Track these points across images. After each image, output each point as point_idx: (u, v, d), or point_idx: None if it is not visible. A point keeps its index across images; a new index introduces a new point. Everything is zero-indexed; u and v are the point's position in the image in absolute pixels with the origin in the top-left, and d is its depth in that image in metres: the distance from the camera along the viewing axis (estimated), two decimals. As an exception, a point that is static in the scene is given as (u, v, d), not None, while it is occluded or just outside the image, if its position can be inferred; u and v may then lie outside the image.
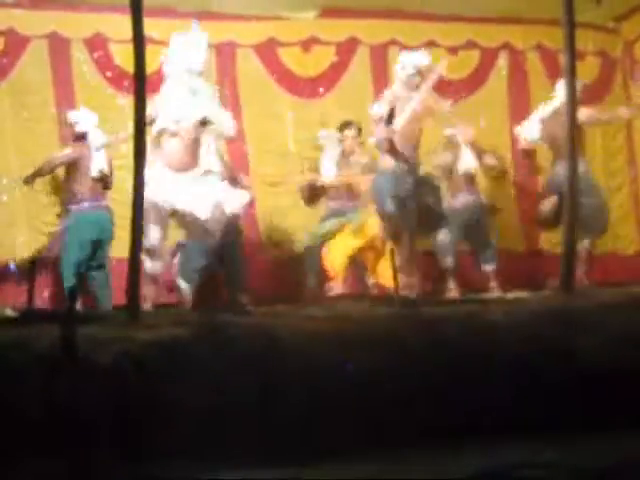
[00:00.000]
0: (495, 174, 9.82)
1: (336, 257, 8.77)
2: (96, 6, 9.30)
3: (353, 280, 9.24)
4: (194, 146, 8.06)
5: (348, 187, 9.16)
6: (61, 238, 8.35)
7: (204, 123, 8.05)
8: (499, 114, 10.47)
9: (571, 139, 6.73)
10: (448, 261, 9.22)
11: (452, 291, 9.15)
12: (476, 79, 10.52)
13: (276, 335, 4.78)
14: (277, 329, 4.95)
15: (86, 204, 8.37)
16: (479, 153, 9.36)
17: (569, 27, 6.61)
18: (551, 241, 9.64)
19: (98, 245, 7.97)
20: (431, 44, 10.33)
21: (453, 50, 10.44)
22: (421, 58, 8.72)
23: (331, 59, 10.16)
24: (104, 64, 9.47)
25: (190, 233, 8.16)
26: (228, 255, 8.54)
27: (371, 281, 8.92)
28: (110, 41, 9.39)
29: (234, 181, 8.61)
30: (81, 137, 8.46)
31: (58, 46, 9.37)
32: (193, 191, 7.93)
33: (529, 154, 9.91)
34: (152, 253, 7.88)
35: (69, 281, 7.95)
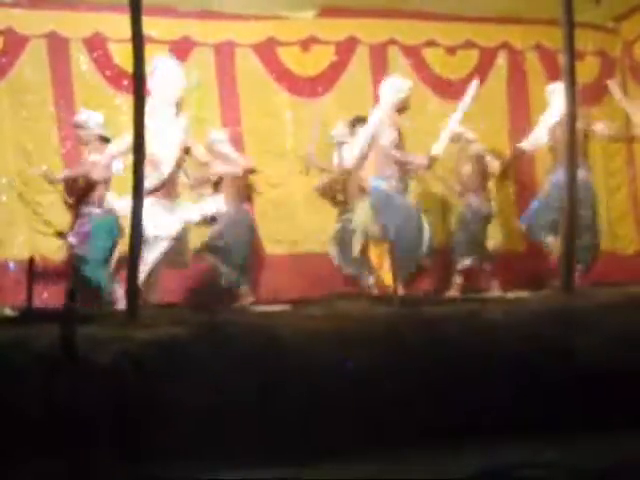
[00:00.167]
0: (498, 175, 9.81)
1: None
2: (95, 5, 9.28)
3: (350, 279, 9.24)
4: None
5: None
6: (85, 240, 8.33)
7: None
8: (498, 114, 10.45)
9: (571, 141, 6.74)
10: (466, 262, 9.21)
11: (456, 288, 9.10)
12: (475, 79, 10.50)
13: (275, 334, 4.78)
14: (276, 328, 4.95)
15: (104, 207, 8.38)
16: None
17: (568, 27, 6.62)
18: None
19: (115, 246, 8.29)
20: (430, 43, 10.33)
21: (452, 50, 10.43)
22: (406, 82, 8.92)
23: (330, 58, 10.14)
24: (103, 63, 9.45)
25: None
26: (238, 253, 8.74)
27: (371, 280, 8.91)
28: (109, 40, 9.37)
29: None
30: (103, 140, 8.47)
31: (57, 46, 9.35)
32: (165, 219, 8.09)
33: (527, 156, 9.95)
34: None
35: (99, 280, 8.10)
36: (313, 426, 4.29)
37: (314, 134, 9.07)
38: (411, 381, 4.50)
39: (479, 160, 9.33)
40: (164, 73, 8.26)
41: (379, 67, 10.10)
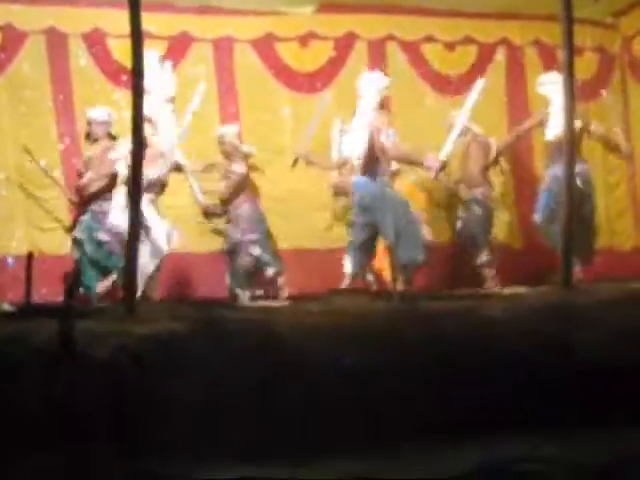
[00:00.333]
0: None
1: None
2: (94, 1, 9.26)
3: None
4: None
5: None
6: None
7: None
8: (497, 110, 10.45)
9: (570, 137, 6.75)
10: (485, 257, 9.21)
11: (489, 282, 9.07)
12: (474, 75, 10.48)
13: (273, 329, 4.79)
14: (274, 323, 4.95)
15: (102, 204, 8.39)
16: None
17: (567, 23, 6.62)
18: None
19: None
20: (429, 39, 10.34)
21: (451, 45, 10.43)
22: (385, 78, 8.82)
23: (329, 54, 10.14)
24: (102, 59, 9.45)
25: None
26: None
27: (370, 277, 8.91)
28: (108, 36, 9.37)
29: None
30: (111, 137, 8.48)
31: (56, 41, 9.35)
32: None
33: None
34: None
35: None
36: (311, 422, 4.29)
37: (311, 130, 9.02)
38: (410, 377, 4.50)
39: (485, 153, 9.32)
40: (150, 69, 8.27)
41: (378, 63, 10.09)
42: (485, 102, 10.04)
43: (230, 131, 9.02)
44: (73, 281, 6.65)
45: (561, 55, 6.93)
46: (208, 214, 8.92)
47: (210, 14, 9.68)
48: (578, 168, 7.64)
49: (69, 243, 8.87)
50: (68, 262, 8.25)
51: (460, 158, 9.44)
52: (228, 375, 4.32)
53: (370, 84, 8.54)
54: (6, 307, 7.43)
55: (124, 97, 8.50)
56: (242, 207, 8.83)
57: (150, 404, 4.19)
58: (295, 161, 8.78)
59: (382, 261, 8.56)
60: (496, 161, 9.46)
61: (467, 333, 4.83)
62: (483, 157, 9.28)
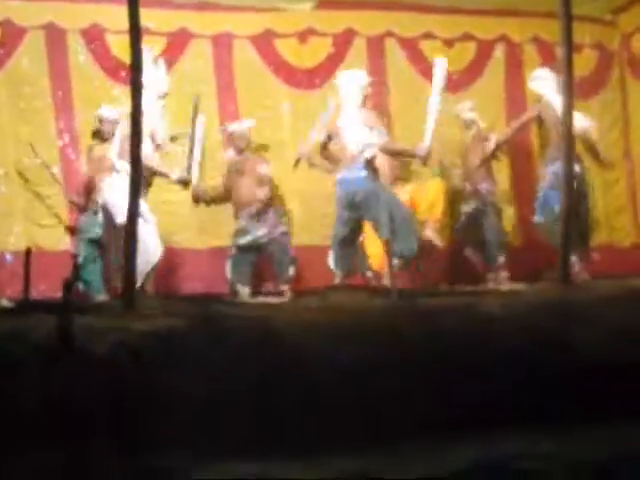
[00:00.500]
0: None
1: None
2: (93, -3, 9.31)
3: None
4: None
5: None
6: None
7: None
8: (495, 107, 10.47)
9: (568, 134, 6.75)
10: (501, 259, 9.24)
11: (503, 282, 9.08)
12: (473, 71, 10.51)
13: (272, 326, 4.79)
14: (273, 320, 4.95)
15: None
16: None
17: (566, 20, 6.62)
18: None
19: None
20: (428, 36, 10.34)
21: (450, 42, 10.43)
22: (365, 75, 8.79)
23: (328, 50, 10.14)
24: (101, 55, 9.45)
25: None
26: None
27: (369, 273, 8.93)
28: (107, 32, 9.37)
29: None
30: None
31: (55, 37, 9.35)
32: None
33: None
34: None
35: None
36: (309, 419, 4.29)
37: (315, 134, 8.95)
38: (408, 374, 4.50)
39: (485, 148, 9.34)
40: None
41: (376, 59, 10.11)
42: (484, 99, 10.08)
43: (244, 126, 9.09)
44: (72, 276, 6.66)
45: (560, 52, 6.93)
46: (198, 199, 9.00)
47: (209, 10, 9.68)
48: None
49: (67, 239, 8.90)
50: (67, 258, 8.26)
51: (463, 152, 9.48)
52: (227, 371, 4.32)
53: (350, 81, 8.54)
54: (4, 303, 7.45)
55: (123, 93, 8.50)
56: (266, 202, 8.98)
57: (149, 400, 4.19)
58: (297, 161, 8.80)
59: (381, 259, 8.56)
60: (494, 155, 9.47)
61: (466, 330, 4.83)
62: (484, 152, 9.31)
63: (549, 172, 8.74)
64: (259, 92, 9.95)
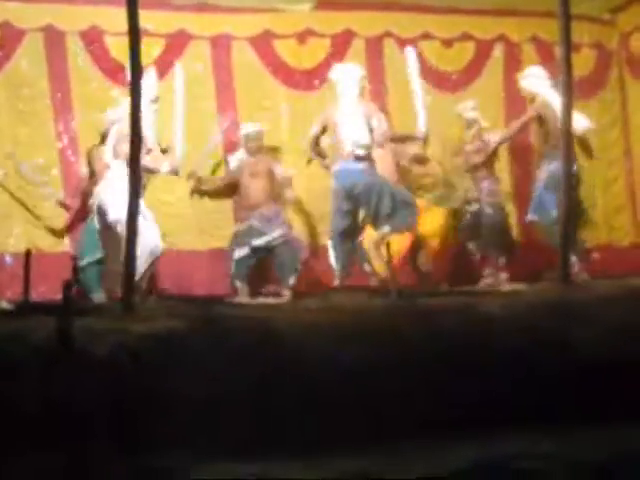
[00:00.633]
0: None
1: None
2: (91, -2, 9.30)
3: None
4: None
5: None
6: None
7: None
8: (494, 106, 10.46)
9: (567, 132, 6.75)
10: (503, 259, 9.25)
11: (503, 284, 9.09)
12: (471, 71, 10.50)
13: (272, 327, 4.79)
14: (273, 321, 4.96)
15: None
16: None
17: (565, 19, 6.63)
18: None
19: None
20: (426, 36, 10.32)
21: (448, 42, 10.42)
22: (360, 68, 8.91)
23: (326, 51, 10.12)
24: (100, 57, 9.43)
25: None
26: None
27: (368, 267, 8.92)
28: (106, 34, 9.34)
29: None
30: None
31: (54, 39, 9.33)
32: None
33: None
34: None
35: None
36: (310, 419, 4.30)
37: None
38: (408, 374, 4.50)
39: (490, 146, 9.36)
40: None
41: (375, 60, 10.10)
42: (483, 99, 10.07)
43: (258, 128, 9.12)
44: (71, 278, 6.66)
45: (558, 51, 6.94)
46: (199, 191, 9.04)
47: (208, 12, 9.66)
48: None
49: (67, 241, 8.90)
50: (66, 260, 8.25)
51: (465, 151, 9.49)
52: (227, 372, 4.33)
53: (345, 75, 8.57)
54: (4, 305, 7.45)
55: (122, 95, 8.49)
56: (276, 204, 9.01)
57: (149, 401, 4.19)
58: (309, 161, 8.85)
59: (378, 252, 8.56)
60: (494, 155, 9.48)
61: (465, 330, 4.84)
62: (485, 151, 9.32)
63: (546, 171, 8.73)
64: (258, 93, 9.93)
